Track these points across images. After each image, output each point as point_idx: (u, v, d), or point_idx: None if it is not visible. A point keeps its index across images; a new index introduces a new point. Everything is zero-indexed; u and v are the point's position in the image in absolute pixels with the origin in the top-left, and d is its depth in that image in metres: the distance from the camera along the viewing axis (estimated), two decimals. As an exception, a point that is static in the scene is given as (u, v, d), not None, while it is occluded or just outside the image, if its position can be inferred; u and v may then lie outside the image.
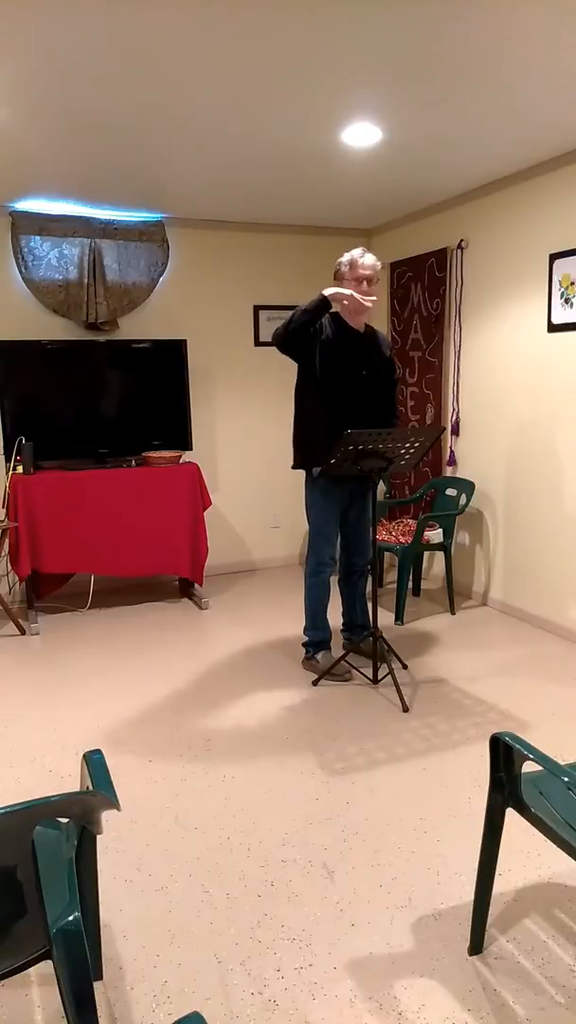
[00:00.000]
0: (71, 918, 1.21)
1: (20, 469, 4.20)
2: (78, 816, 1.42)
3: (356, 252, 3.20)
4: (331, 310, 3.19)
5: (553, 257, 3.72)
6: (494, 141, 3.36)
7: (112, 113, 2.93)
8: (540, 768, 1.55)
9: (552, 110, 2.99)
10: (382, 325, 5.13)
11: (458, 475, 4.60)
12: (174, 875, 2.11)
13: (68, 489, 4.18)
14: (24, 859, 1.31)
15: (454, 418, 4.60)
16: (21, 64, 2.48)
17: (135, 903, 2.00)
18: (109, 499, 4.27)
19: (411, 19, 2.22)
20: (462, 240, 4.38)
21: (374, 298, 3.21)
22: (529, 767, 1.61)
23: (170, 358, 4.67)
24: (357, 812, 2.39)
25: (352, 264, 3.18)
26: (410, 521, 4.63)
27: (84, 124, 3.04)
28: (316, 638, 3.53)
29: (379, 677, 3.37)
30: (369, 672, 3.45)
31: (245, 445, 5.20)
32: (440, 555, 4.71)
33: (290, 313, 3.17)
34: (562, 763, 1.60)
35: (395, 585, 4.34)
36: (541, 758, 1.52)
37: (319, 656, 3.50)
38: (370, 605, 3.52)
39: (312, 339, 3.19)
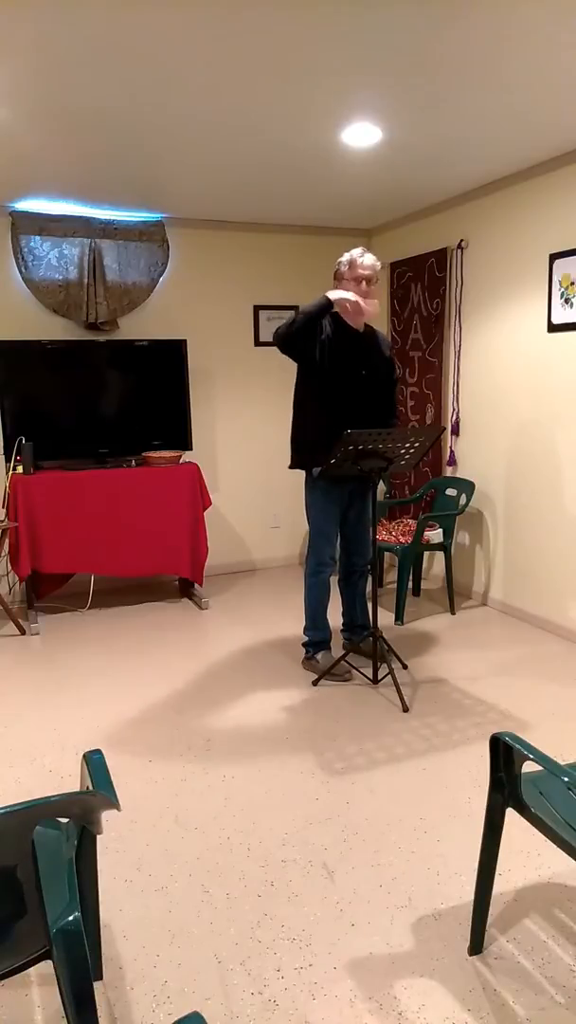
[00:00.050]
0: (71, 918, 1.21)
1: (20, 469, 4.20)
2: (78, 816, 1.42)
3: (356, 252, 3.20)
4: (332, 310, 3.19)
5: (553, 257, 3.72)
6: (494, 141, 3.36)
7: (112, 113, 2.93)
8: (540, 768, 1.55)
9: (552, 110, 2.99)
10: (382, 325, 5.13)
11: (458, 475, 4.60)
12: (174, 875, 2.11)
13: (68, 489, 4.18)
14: (24, 859, 1.31)
15: (454, 418, 4.60)
16: (21, 64, 2.48)
17: (135, 903, 2.00)
18: (109, 499, 4.27)
19: (411, 19, 2.22)
20: (462, 240, 4.38)
21: (375, 301, 3.21)
22: (529, 767, 1.61)
23: (170, 358, 4.67)
24: (357, 812, 2.39)
25: (352, 264, 3.18)
26: (410, 521, 4.63)
27: (84, 124, 3.04)
28: (316, 638, 3.53)
29: (379, 677, 3.37)
30: (369, 672, 3.45)
31: (245, 445, 5.20)
32: (440, 555, 4.71)
33: (291, 314, 3.17)
34: (562, 763, 1.60)
35: (395, 585, 4.34)
36: (541, 758, 1.52)
37: (319, 656, 3.50)
38: (370, 605, 3.52)
39: (312, 339, 3.19)
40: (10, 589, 4.63)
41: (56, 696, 3.32)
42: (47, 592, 4.52)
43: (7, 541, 4.16)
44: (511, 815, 1.70)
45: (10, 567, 4.34)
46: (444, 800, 2.44)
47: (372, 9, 2.16)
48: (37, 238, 4.38)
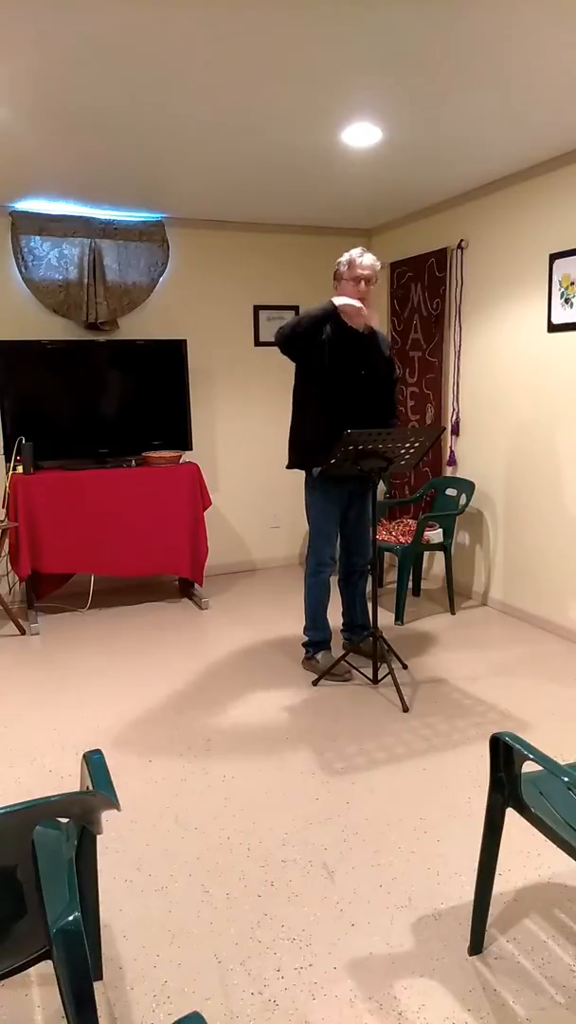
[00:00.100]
0: (71, 918, 1.21)
1: (20, 469, 4.20)
2: (78, 816, 1.42)
3: (355, 252, 3.20)
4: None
5: (553, 257, 3.72)
6: (494, 141, 3.36)
7: (112, 113, 2.93)
8: (540, 768, 1.55)
9: (552, 110, 2.99)
10: (382, 325, 5.13)
11: (458, 475, 4.60)
12: (174, 875, 2.11)
13: (68, 489, 4.18)
14: (24, 859, 1.31)
15: (454, 418, 4.60)
16: (21, 63, 2.48)
17: (135, 903, 2.00)
18: (109, 499, 4.27)
19: (411, 19, 2.22)
20: (462, 240, 4.38)
21: (376, 318, 3.31)
22: (529, 767, 1.61)
23: (170, 358, 4.67)
24: (357, 812, 2.39)
25: (350, 264, 3.18)
26: (410, 521, 4.63)
27: (84, 124, 3.04)
28: (316, 638, 3.53)
29: (379, 677, 3.37)
30: (369, 672, 3.45)
31: (245, 445, 5.20)
32: (440, 555, 4.71)
33: (291, 314, 3.18)
34: (562, 763, 1.60)
35: (395, 585, 4.34)
36: (541, 758, 1.52)
37: (319, 656, 3.50)
38: (370, 605, 3.52)
39: (313, 341, 3.19)
40: (10, 589, 4.63)
41: (56, 696, 3.32)
42: (47, 592, 4.52)
43: (7, 541, 4.16)
44: (511, 815, 1.70)
45: (10, 567, 4.34)
46: (444, 800, 2.44)
47: (372, 9, 2.16)
48: (37, 238, 4.38)
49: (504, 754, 1.67)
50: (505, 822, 1.73)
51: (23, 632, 4.14)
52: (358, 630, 3.65)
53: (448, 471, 4.71)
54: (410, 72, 2.60)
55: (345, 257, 3.21)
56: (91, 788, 1.48)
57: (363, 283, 3.18)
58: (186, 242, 4.81)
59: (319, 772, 2.63)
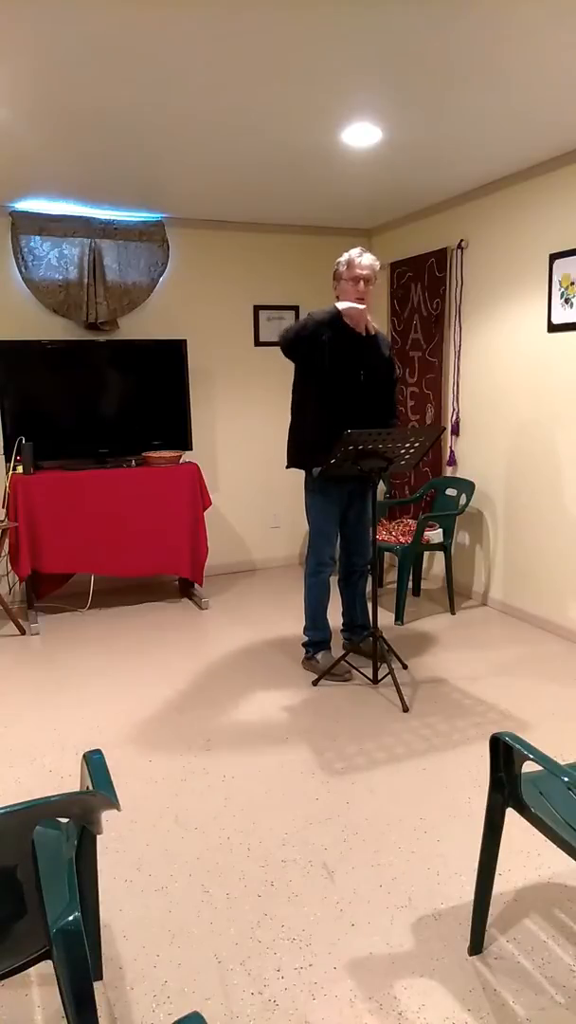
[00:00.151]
0: (71, 918, 1.21)
1: (20, 469, 4.20)
2: (78, 816, 1.42)
3: (354, 252, 3.20)
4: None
5: (553, 257, 3.72)
6: (494, 141, 3.36)
7: (112, 113, 2.93)
8: (540, 768, 1.55)
9: (552, 110, 2.99)
10: (382, 325, 5.13)
11: (458, 475, 4.60)
12: (174, 875, 2.11)
13: (68, 489, 4.18)
14: (24, 859, 1.31)
15: (454, 418, 4.60)
16: (21, 63, 2.48)
17: (135, 903, 2.00)
18: (109, 499, 4.27)
19: (411, 19, 2.22)
20: (462, 240, 4.38)
21: (376, 326, 3.31)
22: (529, 767, 1.61)
23: (170, 358, 4.67)
24: (357, 812, 2.39)
25: (349, 264, 3.18)
26: (410, 521, 4.63)
27: (84, 124, 3.04)
28: (316, 638, 3.53)
29: (379, 677, 3.37)
30: (369, 672, 3.45)
31: (245, 445, 5.20)
32: (440, 555, 4.71)
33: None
34: (562, 763, 1.60)
35: (395, 585, 4.34)
36: (541, 758, 1.52)
37: (319, 656, 3.50)
38: (370, 605, 3.52)
39: (316, 344, 3.19)
40: (10, 589, 4.63)
41: (56, 696, 3.32)
42: (47, 592, 4.52)
43: (7, 541, 4.16)
44: (511, 815, 1.70)
45: (10, 567, 4.34)
46: (444, 800, 2.44)
47: (372, 9, 2.16)
48: (37, 238, 4.38)
49: (504, 754, 1.67)
50: (505, 822, 1.73)
51: (23, 632, 4.14)
52: (358, 630, 3.65)
53: (448, 471, 4.71)
54: (410, 72, 2.60)
55: (344, 257, 3.21)
56: (91, 788, 1.48)
57: (362, 283, 3.18)
58: (186, 242, 4.81)
59: (319, 772, 2.63)
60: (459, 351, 4.51)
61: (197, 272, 4.88)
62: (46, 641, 4.02)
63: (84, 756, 1.59)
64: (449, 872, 2.09)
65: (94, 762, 1.57)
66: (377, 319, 5.09)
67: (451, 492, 4.50)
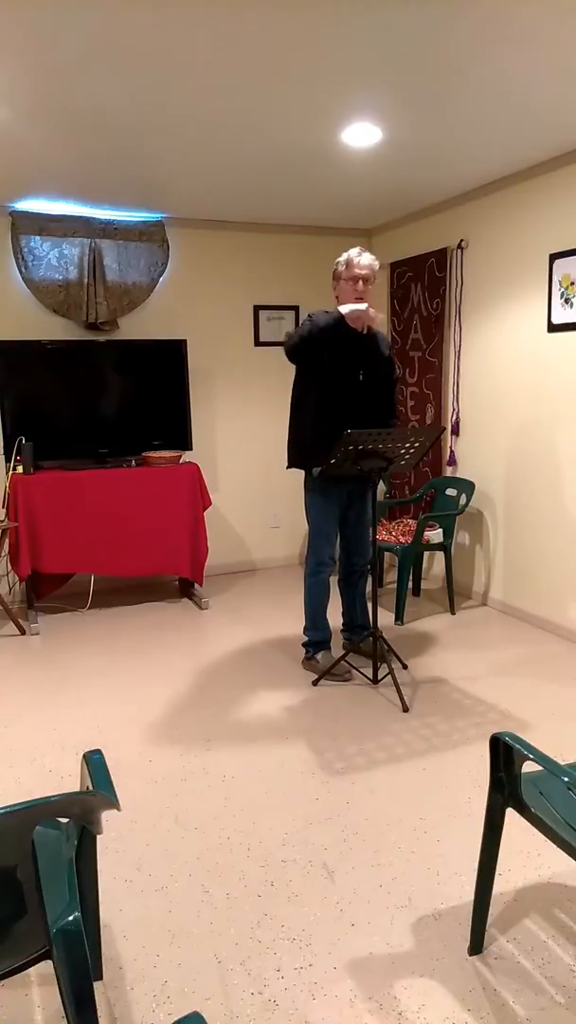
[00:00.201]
0: (71, 918, 1.21)
1: (20, 469, 4.20)
2: (78, 816, 1.42)
3: (353, 252, 3.20)
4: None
5: (553, 257, 3.72)
6: (494, 141, 3.36)
7: (112, 113, 2.93)
8: (540, 768, 1.55)
9: (552, 110, 2.99)
10: (382, 325, 5.12)
11: (458, 475, 4.60)
12: (174, 875, 2.11)
13: (68, 489, 4.18)
14: (24, 859, 1.31)
15: (454, 418, 4.60)
16: (21, 64, 2.48)
17: (135, 903, 2.00)
18: (109, 499, 4.27)
19: (411, 19, 2.22)
20: (462, 240, 4.38)
21: (382, 316, 3.28)
22: (529, 767, 1.61)
23: (170, 358, 4.67)
24: (357, 812, 2.39)
25: (349, 264, 3.18)
26: (410, 521, 4.63)
27: (84, 123, 3.04)
28: (316, 638, 3.53)
29: (379, 677, 3.37)
30: (369, 672, 3.45)
31: (245, 445, 5.20)
32: (440, 555, 4.71)
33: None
34: (562, 763, 1.60)
35: (395, 585, 4.34)
36: (541, 758, 1.52)
37: (319, 656, 3.50)
38: (370, 605, 3.52)
39: (319, 348, 3.18)
40: (10, 589, 4.63)
41: (56, 696, 3.32)
42: (47, 592, 4.52)
43: (7, 541, 4.16)
44: (511, 815, 1.70)
45: (10, 567, 4.34)
46: (444, 800, 2.44)
47: (372, 9, 2.16)
48: (37, 238, 4.38)
49: (504, 754, 1.67)
50: (505, 822, 1.73)
51: (23, 632, 4.14)
52: (358, 630, 3.65)
53: (448, 471, 4.71)
54: (410, 72, 2.60)
55: (343, 257, 3.21)
56: (91, 788, 1.48)
57: (361, 283, 3.18)
58: (186, 242, 4.81)
59: (319, 772, 2.63)
60: (459, 351, 4.51)
61: (197, 272, 4.88)
62: (46, 641, 4.02)
63: (84, 756, 1.59)
64: (449, 872, 2.09)
65: (94, 762, 1.57)
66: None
67: (451, 492, 4.50)
